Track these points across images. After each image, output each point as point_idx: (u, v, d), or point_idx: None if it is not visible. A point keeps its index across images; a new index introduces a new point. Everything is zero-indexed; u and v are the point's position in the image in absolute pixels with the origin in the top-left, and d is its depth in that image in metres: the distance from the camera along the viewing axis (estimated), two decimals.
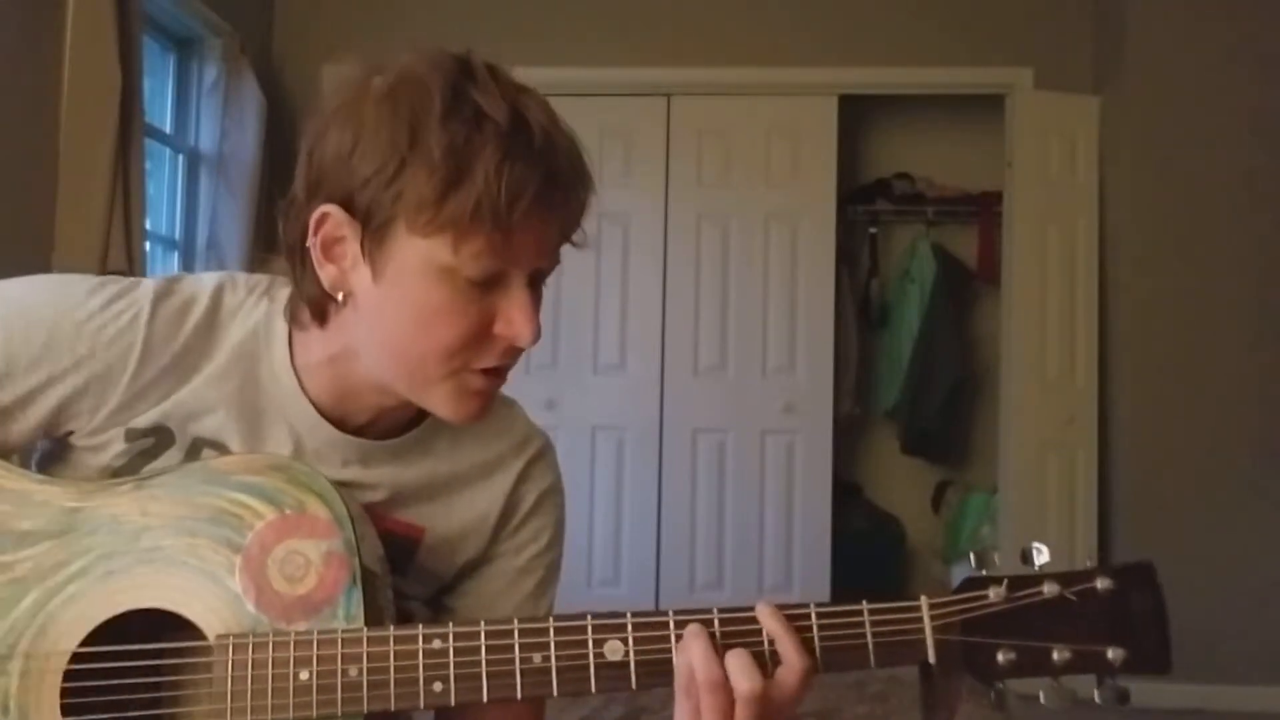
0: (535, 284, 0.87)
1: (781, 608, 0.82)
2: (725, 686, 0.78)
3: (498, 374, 0.88)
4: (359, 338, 0.88)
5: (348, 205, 0.82)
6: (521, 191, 0.79)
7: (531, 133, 0.81)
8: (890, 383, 4.75)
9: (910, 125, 4.82)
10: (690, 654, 0.79)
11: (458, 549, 0.99)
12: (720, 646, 0.80)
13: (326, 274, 0.86)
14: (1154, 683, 0.82)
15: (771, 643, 0.81)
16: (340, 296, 0.86)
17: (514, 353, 0.87)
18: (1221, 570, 3.45)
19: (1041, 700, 0.81)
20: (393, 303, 0.84)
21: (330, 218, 0.84)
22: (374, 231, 0.82)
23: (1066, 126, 3.89)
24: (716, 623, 0.81)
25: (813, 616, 0.82)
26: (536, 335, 0.85)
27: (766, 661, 0.80)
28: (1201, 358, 3.64)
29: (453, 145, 0.79)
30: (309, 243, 0.85)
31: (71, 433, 0.91)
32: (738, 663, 0.79)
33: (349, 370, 0.91)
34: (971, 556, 0.84)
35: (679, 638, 0.81)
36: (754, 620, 0.81)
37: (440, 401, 0.88)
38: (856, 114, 4.59)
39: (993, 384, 4.41)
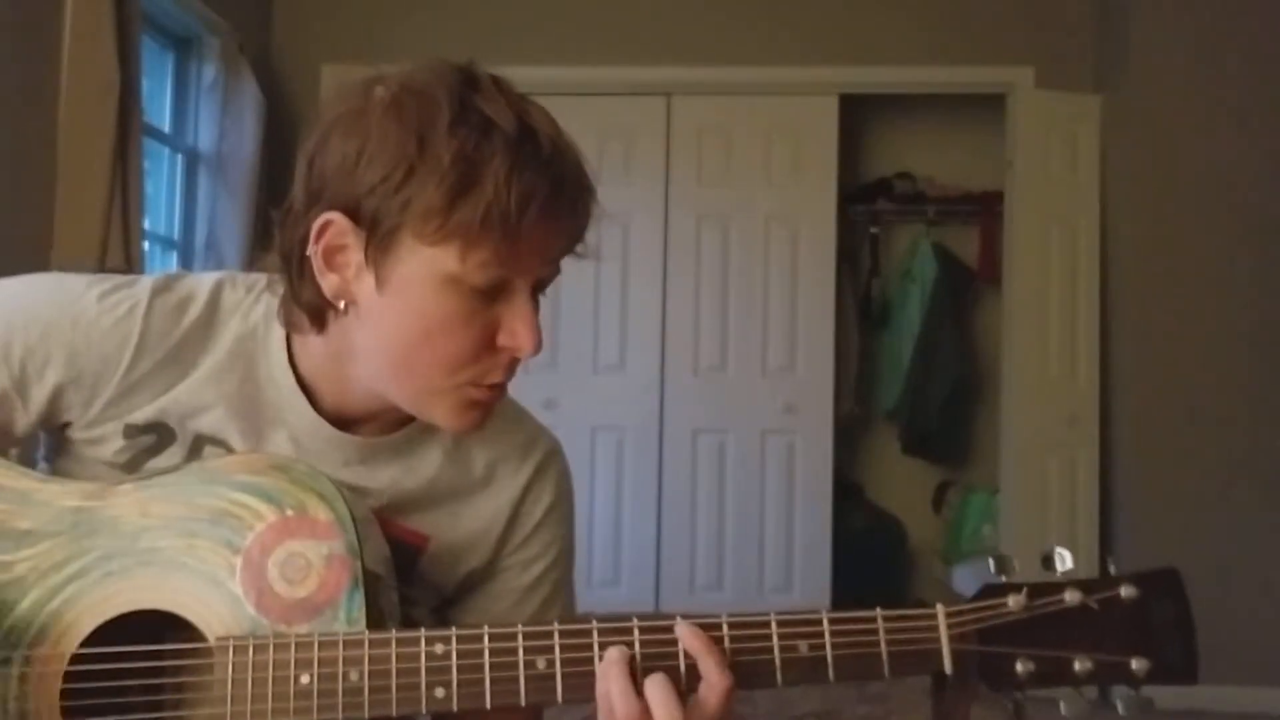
0: (535, 294, 0.87)
1: (790, 615, 0.81)
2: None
3: (500, 386, 0.89)
4: (358, 345, 0.87)
5: (352, 213, 0.82)
6: (531, 199, 0.79)
7: (539, 141, 0.81)
8: (891, 383, 4.74)
9: (911, 125, 4.82)
10: (608, 686, 0.78)
11: (461, 559, 0.97)
12: (641, 668, 0.78)
13: (328, 282, 0.85)
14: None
15: (691, 660, 0.79)
16: (342, 305, 0.85)
17: (515, 365, 0.88)
18: (1223, 570, 3.44)
19: (1062, 710, 0.79)
20: (396, 312, 0.83)
21: (333, 225, 0.83)
22: (379, 240, 0.81)
23: (1067, 126, 3.88)
24: (636, 632, 0.79)
25: (825, 623, 0.80)
26: (539, 346, 0.85)
27: (682, 682, 0.78)
28: (1203, 357, 3.63)
29: (461, 153, 0.79)
30: (309, 250, 0.84)
31: (69, 424, 0.92)
32: (658, 695, 0.77)
33: (346, 372, 0.90)
34: (991, 562, 0.82)
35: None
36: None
37: (441, 413, 0.88)
38: (857, 114, 4.58)
39: (994, 384, 4.41)
